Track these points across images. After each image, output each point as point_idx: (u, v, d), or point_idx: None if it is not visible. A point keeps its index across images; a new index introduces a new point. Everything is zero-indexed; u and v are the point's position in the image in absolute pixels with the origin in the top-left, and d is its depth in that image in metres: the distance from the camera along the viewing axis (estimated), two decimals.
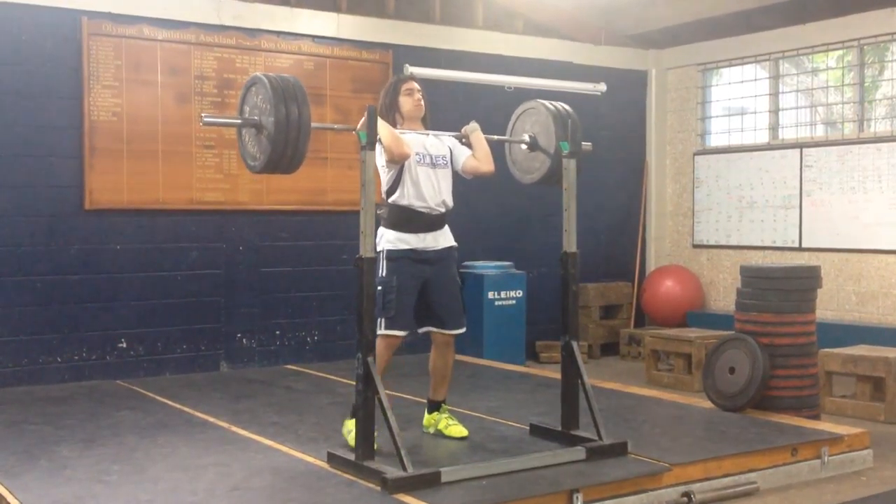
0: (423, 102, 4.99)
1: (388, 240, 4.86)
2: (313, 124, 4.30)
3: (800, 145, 8.81)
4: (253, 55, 7.71)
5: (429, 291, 4.95)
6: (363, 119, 4.41)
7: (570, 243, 5.03)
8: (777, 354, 5.82)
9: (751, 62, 9.28)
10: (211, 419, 5.73)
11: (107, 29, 7.10)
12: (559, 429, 5.06)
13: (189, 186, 7.45)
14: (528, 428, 5.32)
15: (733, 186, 9.34)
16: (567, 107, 5.19)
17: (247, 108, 4.37)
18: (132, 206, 7.24)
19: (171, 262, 7.45)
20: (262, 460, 4.75)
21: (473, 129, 5.09)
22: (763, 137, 9.22)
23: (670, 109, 10.00)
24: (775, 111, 9.15)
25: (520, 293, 8.50)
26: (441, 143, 5.05)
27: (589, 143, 5.16)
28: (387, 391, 4.44)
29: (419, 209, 4.89)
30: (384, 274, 4.77)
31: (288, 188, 7.79)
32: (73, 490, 4.23)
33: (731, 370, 5.90)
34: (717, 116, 9.76)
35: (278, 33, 7.85)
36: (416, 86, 4.99)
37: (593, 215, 9.04)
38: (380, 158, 4.78)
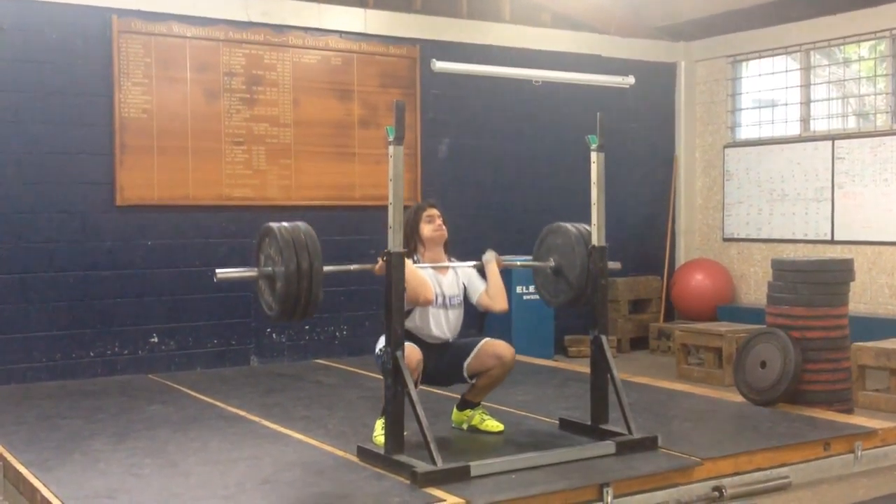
0: (443, 228, 4.99)
1: None
2: (326, 268, 4.32)
3: (831, 137, 8.71)
4: (281, 51, 7.75)
5: (442, 357, 4.94)
6: (381, 262, 4.41)
7: (599, 237, 5.01)
8: (809, 348, 5.77)
9: (781, 53, 9.19)
10: (242, 413, 5.77)
11: (136, 26, 7.16)
12: (589, 423, 5.04)
13: (218, 182, 7.50)
14: (557, 422, 5.31)
15: (764, 179, 9.26)
16: (588, 228, 5.08)
17: (262, 258, 4.39)
18: (162, 203, 7.30)
19: (201, 258, 7.50)
20: (292, 454, 4.78)
21: (488, 259, 5.06)
22: (794, 129, 9.13)
23: (700, 102, 9.92)
24: (806, 103, 9.06)
25: None
26: (457, 279, 5.04)
27: (618, 263, 5.18)
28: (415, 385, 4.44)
29: (425, 340, 4.92)
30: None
31: (316, 184, 7.82)
32: (106, 483, 4.27)
33: (763, 364, 5.85)
34: (747, 109, 9.67)
35: (306, 29, 7.87)
36: (436, 212, 5.01)
37: (622, 209, 8.99)
38: None
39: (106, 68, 7.08)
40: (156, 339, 7.32)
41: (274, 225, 4.32)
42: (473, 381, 5.02)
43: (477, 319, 5.35)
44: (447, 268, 5.00)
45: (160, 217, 7.33)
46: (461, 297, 5.04)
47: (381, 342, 4.75)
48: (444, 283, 4.97)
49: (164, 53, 7.28)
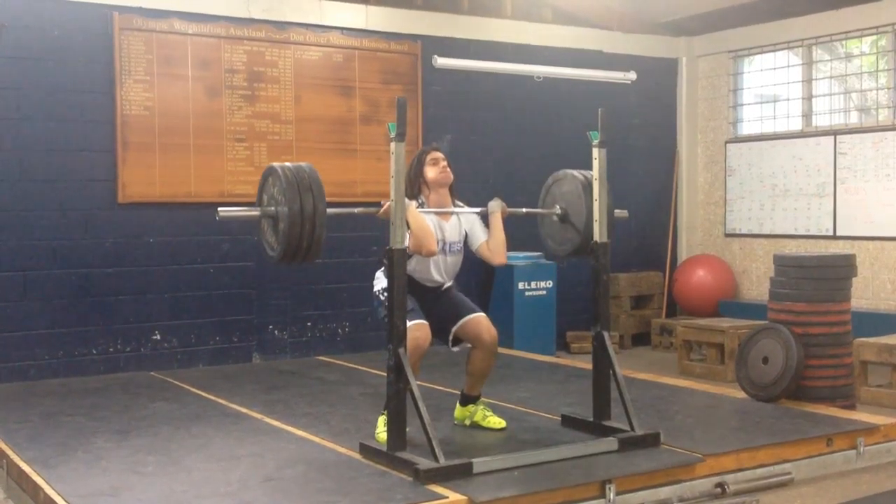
0: (448, 171, 4.98)
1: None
2: (330, 210, 4.29)
3: (834, 132, 8.70)
4: (282, 48, 7.74)
5: (436, 306, 4.96)
6: (385, 205, 4.41)
7: (600, 233, 5.01)
8: (811, 344, 5.76)
9: (783, 48, 9.18)
10: (244, 410, 5.77)
11: (137, 23, 7.15)
12: (591, 419, 5.04)
13: (220, 179, 7.50)
14: (559, 419, 5.31)
15: (766, 174, 9.25)
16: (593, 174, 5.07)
17: (265, 198, 4.36)
18: (164, 200, 7.30)
19: (204, 255, 7.51)
20: (294, 451, 4.78)
21: (493, 209, 5.04)
22: (796, 125, 9.12)
23: (702, 97, 9.91)
24: (808, 98, 9.04)
25: (550, 283, 8.48)
26: (459, 225, 5.02)
27: (625, 211, 5.25)
28: (418, 382, 4.44)
29: (422, 283, 4.93)
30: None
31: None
32: (109, 481, 4.28)
33: (765, 360, 5.85)
34: (749, 104, 9.66)
35: (307, 26, 7.87)
36: (440, 156, 4.99)
37: (624, 205, 8.94)
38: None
39: (107, 65, 7.08)
40: (158, 337, 7.33)
41: (277, 165, 4.30)
42: (455, 349, 5.03)
43: (481, 298, 5.30)
44: (450, 214, 4.98)
45: (162, 214, 7.33)
46: (461, 244, 5.03)
47: (380, 280, 4.83)
48: (445, 229, 4.95)
49: (166, 50, 7.27)
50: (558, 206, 5.18)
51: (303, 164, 4.34)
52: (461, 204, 5.09)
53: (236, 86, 7.57)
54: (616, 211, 5.14)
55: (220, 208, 4.33)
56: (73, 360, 7.01)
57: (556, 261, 5.36)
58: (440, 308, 4.98)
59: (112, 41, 7.07)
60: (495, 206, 5.04)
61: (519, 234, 8.73)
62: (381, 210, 4.51)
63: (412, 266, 4.81)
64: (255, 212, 4.39)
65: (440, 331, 4.97)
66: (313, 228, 4.18)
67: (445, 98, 8.52)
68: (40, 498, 4.16)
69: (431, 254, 4.73)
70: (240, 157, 7.58)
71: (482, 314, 5.02)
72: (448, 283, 5.05)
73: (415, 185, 4.94)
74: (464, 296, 5.14)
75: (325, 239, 4.26)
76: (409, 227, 4.55)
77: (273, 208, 4.27)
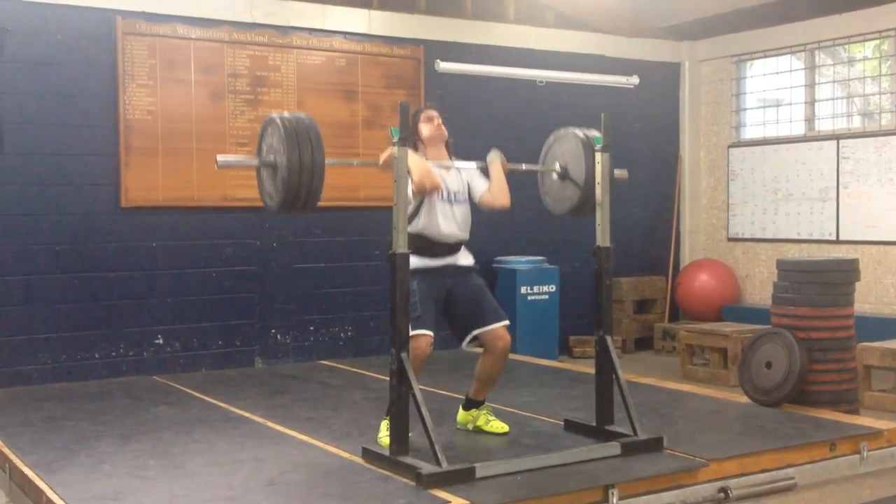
0: (443, 128, 4.99)
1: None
2: (329, 161, 4.29)
3: (836, 137, 8.70)
4: (285, 52, 7.75)
5: (457, 300, 4.95)
6: (391, 149, 4.41)
7: (603, 237, 5.01)
8: (815, 348, 5.76)
9: (786, 53, 9.18)
10: (246, 414, 5.77)
11: (141, 28, 7.16)
12: (594, 424, 5.03)
13: (223, 184, 7.50)
14: (562, 423, 5.30)
15: (769, 179, 9.25)
16: (597, 133, 5.08)
17: (264, 148, 4.37)
18: (167, 204, 7.31)
19: (206, 259, 7.51)
20: (297, 455, 4.78)
21: (492, 159, 5.06)
22: (799, 129, 9.11)
23: (704, 102, 9.91)
24: (811, 102, 9.04)
25: (553, 288, 8.48)
26: (460, 177, 5.03)
27: (625, 171, 5.18)
28: (420, 387, 4.43)
29: (436, 240, 4.91)
30: None
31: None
32: (111, 485, 4.27)
33: (768, 364, 5.84)
34: (751, 108, 9.65)
35: (310, 30, 7.88)
36: (434, 113, 5.03)
37: (627, 209, 8.99)
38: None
39: (110, 70, 7.08)
40: (161, 341, 7.33)
41: (276, 115, 4.30)
42: (466, 347, 5.04)
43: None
44: (450, 167, 4.99)
45: (165, 218, 7.34)
46: (466, 195, 5.02)
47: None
48: (447, 180, 4.95)
49: (169, 55, 7.28)
50: (558, 164, 5.15)
51: (302, 114, 4.36)
52: (458, 160, 5.09)
53: (239, 90, 7.57)
54: (616, 171, 5.10)
55: (218, 155, 4.34)
56: (76, 364, 7.01)
57: (556, 215, 5.34)
58: (466, 304, 4.95)
59: (115, 46, 7.08)
60: (494, 156, 5.07)
61: (521, 239, 8.77)
62: (382, 160, 4.47)
63: (421, 224, 4.81)
64: (254, 161, 4.41)
65: (461, 329, 4.98)
66: (311, 179, 4.19)
67: (448, 102, 8.50)
68: (43, 502, 4.16)
69: (435, 186, 4.73)
70: None
71: (506, 323, 5.00)
72: (461, 241, 4.98)
73: (410, 144, 4.92)
74: (489, 293, 5.10)
75: (322, 191, 4.27)
76: (408, 172, 4.54)
77: (272, 157, 4.27)
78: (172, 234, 7.37)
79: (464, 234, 5.02)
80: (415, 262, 4.75)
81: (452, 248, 4.98)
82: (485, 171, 5.08)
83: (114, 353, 7.15)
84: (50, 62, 6.91)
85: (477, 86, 8.44)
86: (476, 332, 4.95)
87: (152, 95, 7.22)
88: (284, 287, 7.80)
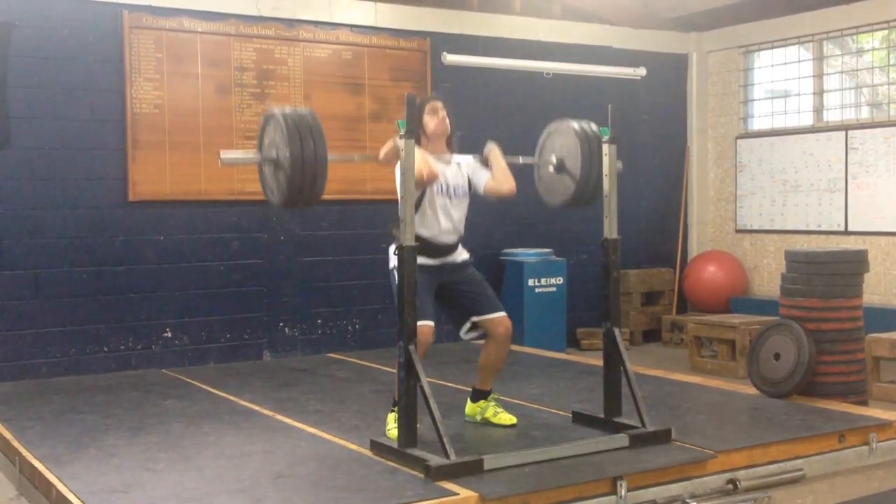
0: (447, 122, 4.97)
1: None
2: (331, 156, 4.27)
3: (845, 127, 8.66)
4: (292, 45, 7.74)
5: (455, 290, 4.96)
6: (390, 143, 4.38)
7: (611, 229, 5.00)
8: (823, 340, 5.74)
9: (794, 43, 9.14)
10: (255, 407, 5.78)
11: (147, 22, 7.17)
12: (602, 416, 5.04)
13: (230, 177, 7.51)
14: (570, 415, 5.30)
15: (777, 170, 9.22)
16: (594, 126, 5.05)
17: (266, 142, 4.34)
18: (174, 198, 7.32)
19: (214, 253, 7.52)
20: (305, 448, 4.79)
21: (490, 149, 5.06)
22: (807, 120, 9.08)
23: (712, 93, 9.88)
24: (819, 93, 9.01)
25: (560, 280, 8.47)
26: (460, 171, 5.02)
27: (619, 162, 5.13)
28: (428, 379, 4.44)
29: (434, 239, 4.89)
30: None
31: (328, 178, 7.80)
32: (121, 478, 4.29)
33: (777, 356, 5.83)
34: (759, 99, 9.62)
35: (316, 23, 7.87)
36: (439, 105, 4.99)
37: (634, 201, 8.98)
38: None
39: (117, 64, 7.09)
40: (169, 334, 7.34)
41: (277, 110, 4.28)
42: (465, 336, 5.04)
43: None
44: (450, 161, 4.97)
45: (172, 212, 7.35)
46: (465, 188, 5.01)
47: (393, 258, 4.77)
48: (447, 174, 4.94)
49: (176, 48, 7.29)
50: (554, 156, 5.13)
51: (303, 108, 4.34)
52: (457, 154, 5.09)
53: (246, 84, 7.57)
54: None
55: (221, 151, 4.33)
56: (85, 357, 7.03)
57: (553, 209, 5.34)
58: (465, 294, 4.97)
59: (122, 39, 7.08)
60: (492, 145, 5.07)
61: (529, 231, 8.76)
62: (381, 154, 4.45)
63: (420, 221, 4.76)
64: (256, 157, 4.39)
65: (459, 316, 4.99)
66: (314, 174, 4.18)
67: (455, 95, 8.49)
68: (52, 495, 4.18)
69: (434, 176, 4.71)
70: None
71: (504, 314, 5.01)
72: (458, 238, 4.98)
73: (415, 135, 4.91)
74: (486, 284, 5.10)
75: (325, 185, 4.26)
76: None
77: (274, 153, 4.26)
78: (180, 227, 7.38)
79: (461, 230, 5.03)
80: None
81: (450, 248, 4.99)
82: (484, 164, 5.07)
83: (122, 347, 7.17)
84: (57, 57, 6.92)
85: (484, 78, 8.43)
86: (475, 318, 4.97)
87: (159, 89, 7.22)
88: (292, 280, 7.81)
